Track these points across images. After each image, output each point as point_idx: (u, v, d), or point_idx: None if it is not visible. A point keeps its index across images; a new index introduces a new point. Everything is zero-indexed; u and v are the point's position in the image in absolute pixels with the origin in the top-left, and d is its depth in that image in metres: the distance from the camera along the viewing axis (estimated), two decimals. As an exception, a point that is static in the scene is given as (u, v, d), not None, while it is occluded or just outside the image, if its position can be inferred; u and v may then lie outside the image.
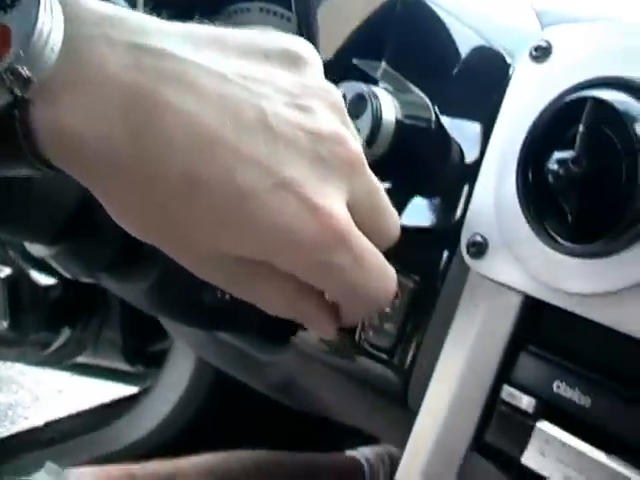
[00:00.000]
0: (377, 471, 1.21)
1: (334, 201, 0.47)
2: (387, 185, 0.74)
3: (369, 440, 1.29)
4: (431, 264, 0.72)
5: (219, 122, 0.44)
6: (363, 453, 1.26)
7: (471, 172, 0.67)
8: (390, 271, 0.51)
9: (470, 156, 0.72)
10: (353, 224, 0.48)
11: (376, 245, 0.50)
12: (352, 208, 0.49)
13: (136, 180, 0.43)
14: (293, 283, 0.50)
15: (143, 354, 1.67)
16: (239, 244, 0.46)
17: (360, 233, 0.49)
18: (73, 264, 0.84)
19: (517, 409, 0.60)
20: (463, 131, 0.76)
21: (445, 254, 0.72)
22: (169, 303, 0.87)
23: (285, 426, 1.41)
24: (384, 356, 0.73)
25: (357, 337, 0.76)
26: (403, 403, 0.73)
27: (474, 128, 0.74)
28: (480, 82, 0.76)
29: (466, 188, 0.69)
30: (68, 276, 0.88)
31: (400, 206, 0.77)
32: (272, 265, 0.48)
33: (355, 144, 0.49)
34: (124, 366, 1.66)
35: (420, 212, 0.77)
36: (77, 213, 0.78)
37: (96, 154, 0.42)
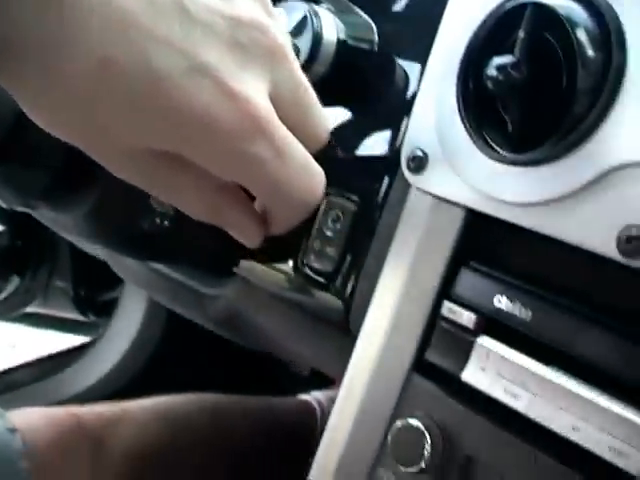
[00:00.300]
0: (328, 413, 1.20)
1: (253, 88, 0.44)
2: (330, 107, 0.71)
3: (323, 386, 1.28)
4: (373, 187, 0.70)
5: (134, 4, 0.42)
6: (315, 396, 1.26)
7: (415, 94, 0.65)
8: (316, 169, 0.49)
9: (414, 78, 0.70)
10: (274, 115, 0.46)
11: (304, 145, 0.48)
12: (275, 101, 0.46)
13: (51, 65, 0.41)
14: (212, 182, 0.48)
15: (94, 303, 1.65)
16: (154, 132, 0.44)
17: (282, 125, 0.46)
18: (6, 190, 0.81)
19: (457, 325, 0.58)
20: (406, 53, 0.74)
21: (387, 177, 0.70)
22: (107, 230, 0.84)
23: (239, 371, 1.40)
24: (325, 281, 0.71)
25: (298, 262, 0.73)
26: (346, 330, 0.71)
27: (417, 50, 0.71)
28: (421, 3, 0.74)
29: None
30: (3, 205, 0.85)
31: (343, 129, 0.75)
32: (190, 162, 0.46)
33: (279, 34, 0.46)
34: (76, 315, 1.63)
35: (364, 135, 0.75)
36: (8, 135, 0.75)
37: (6, 39, 0.40)
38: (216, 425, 1.11)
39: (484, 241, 0.60)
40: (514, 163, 0.55)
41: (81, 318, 1.68)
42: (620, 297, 0.52)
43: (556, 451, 0.53)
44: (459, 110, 0.58)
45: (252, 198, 0.55)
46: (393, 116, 0.72)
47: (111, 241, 0.87)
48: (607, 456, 0.50)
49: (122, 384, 1.43)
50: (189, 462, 1.05)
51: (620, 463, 0.49)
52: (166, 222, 0.77)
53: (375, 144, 0.73)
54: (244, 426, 1.14)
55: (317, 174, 0.50)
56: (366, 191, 0.70)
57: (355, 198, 0.71)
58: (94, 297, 1.69)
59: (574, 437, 0.51)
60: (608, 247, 0.50)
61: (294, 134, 0.48)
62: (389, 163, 0.68)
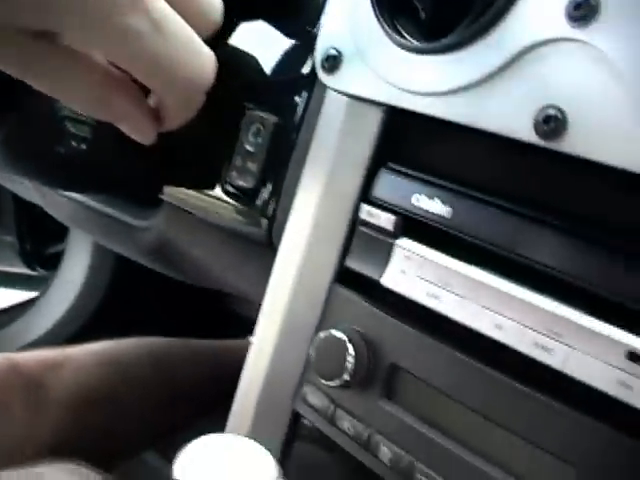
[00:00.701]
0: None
1: None
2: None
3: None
4: (294, 99, 0.66)
5: None
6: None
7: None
8: (203, 49, 0.46)
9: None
10: None
11: (194, 28, 0.44)
12: None
13: None
14: (98, 70, 0.44)
15: (41, 256, 1.61)
16: (23, 7, 0.40)
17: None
18: None
19: (376, 228, 0.55)
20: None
21: (308, 89, 0.66)
22: (25, 157, 0.80)
23: (191, 315, 1.37)
24: (248, 197, 0.67)
25: (222, 182, 0.70)
26: (271, 249, 0.68)
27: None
28: None
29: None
30: None
31: (263, 44, 0.71)
32: (71, 49, 0.42)
33: None
34: (23, 269, 1.59)
35: (283, 49, 0.71)
36: None
37: None
38: (160, 369, 1.09)
39: (403, 141, 0.57)
40: (427, 52, 0.52)
41: (29, 272, 1.64)
42: (541, 185, 0.49)
43: (481, 352, 0.51)
44: (372, 2, 0.54)
45: (146, 93, 0.52)
46: (311, 25, 0.68)
47: (30, 169, 0.83)
48: (531, 352, 0.47)
49: (71, 333, 1.40)
50: (132, 406, 1.02)
51: (545, 358, 0.46)
52: (83, 145, 0.73)
53: (295, 57, 0.69)
54: (188, 369, 1.12)
55: (204, 54, 0.46)
56: (287, 103, 0.67)
57: (276, 111, 0.67)
58: (40, 250, 1.65)
59: (498, 336, 0.49)
60: (526, 131, 0.47)
61: (182, 15, 0.44)
62: (310, 75, 0.64)
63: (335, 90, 0.57)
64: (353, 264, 0.57)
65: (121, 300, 1.39)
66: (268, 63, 0.70)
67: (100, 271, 1.38)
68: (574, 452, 0.45)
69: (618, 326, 0.44)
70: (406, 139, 0.56)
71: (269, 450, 0.45)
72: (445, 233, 0.51)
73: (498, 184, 0.51)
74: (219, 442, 0.44)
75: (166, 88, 0.47)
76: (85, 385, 0.97)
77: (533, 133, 0.46)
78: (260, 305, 0.63)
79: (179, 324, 1.34)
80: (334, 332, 0.55)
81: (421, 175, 0.54)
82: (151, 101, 0.49)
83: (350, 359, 0.54)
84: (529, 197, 0.49)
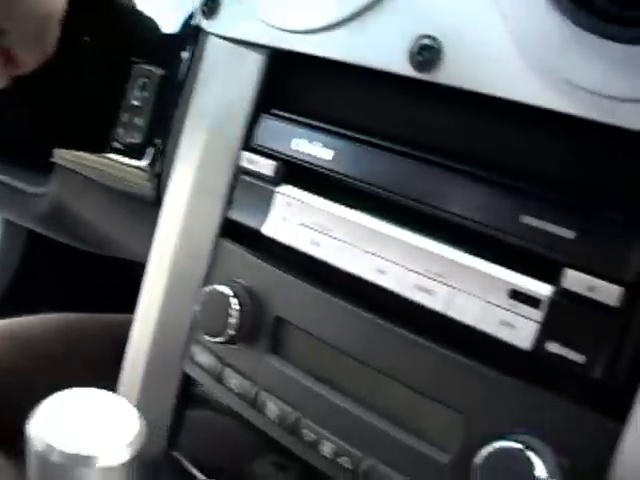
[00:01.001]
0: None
1: None
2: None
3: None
4: (179, 53, 0.63)
5: None
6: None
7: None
8: None
9: None
10: None
11: None
12: None
13: None
14: None
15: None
16: None
17: None
18: None
19: (258, 175, 0.52)
20: None
21: (194, 42, 0.63)
22: None
23: (105, 290, 1.33)
24: (136, 154, 0.64)
25: (110, 140, 0.67)
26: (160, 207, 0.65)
27: None
28: None
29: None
30: None
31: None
32: None
33: None
34: None
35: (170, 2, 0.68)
36: None
37: None
38: (69, 344, 1.06)
39: (285, 86, 0.55)
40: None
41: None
42: (419, 123, 0.47)
43: (365, 300, 0.49)
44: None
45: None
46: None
47: None
48: (414, 296, 0.45)
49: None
50: (39, 381, 0.99)
51: (427, 301, 0.44)
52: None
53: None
54: (97, 344, 1.09)
55: None
56: (174, 57, 0.64)
57: (163, 64, 0.64)
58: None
59: (380, 281, 0.46)
60: (400, 63, 0.44)
61: None
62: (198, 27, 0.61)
63: (215, 35, 0.55)
64: (235, 215, 0.54)
65: (35, 275, 1.35)
66: (155, 17, 0.67)
67: (11, 247, 1.33)
68: (460, 398, 0.43)
69: (500, 264, 0.42)
70: (288, 84, 0.54)
71: (161, 416, 0.43)
72: (328, 178, 0.49)
73: (377, 124, 0.49)
74: (79, 397, 0.41)
75: (11, 23, 0.43)
76: None
77: (408, 64, 0.44)
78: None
79: (94, 299, 1.30)
80: (218, 287, 0.52)
81: (302, 119, 0.51)
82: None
83: (234, 313, 0.51)
84: (409, 136, 0.47)
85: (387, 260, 0.46)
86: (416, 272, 0.45)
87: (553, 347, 0.40)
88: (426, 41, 0.43)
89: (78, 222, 0.80)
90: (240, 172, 0.54)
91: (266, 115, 0.53)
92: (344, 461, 0.47)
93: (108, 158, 0.68)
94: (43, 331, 1.01)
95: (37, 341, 0.99)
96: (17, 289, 1.31)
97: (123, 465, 0.37)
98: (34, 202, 0.83)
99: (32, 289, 1.32)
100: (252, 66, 0.54)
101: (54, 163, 0.75)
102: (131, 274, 0.73)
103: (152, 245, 0.60)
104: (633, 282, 0.38)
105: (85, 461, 0.36)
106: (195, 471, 0.59)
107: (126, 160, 0.65)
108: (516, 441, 0.39)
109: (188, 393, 0.59)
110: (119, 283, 1.26)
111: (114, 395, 0.41)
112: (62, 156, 0.74)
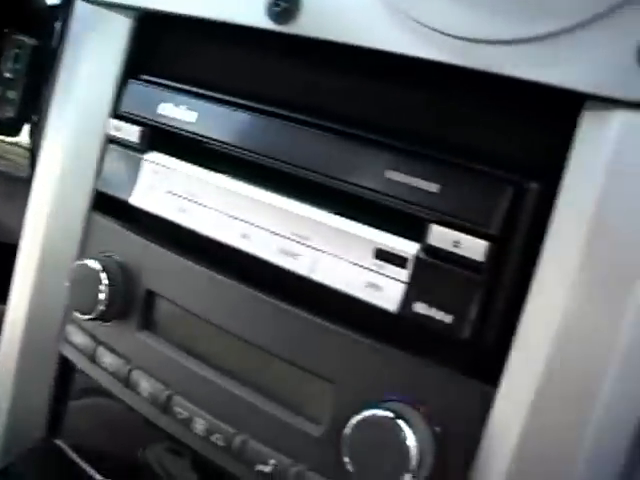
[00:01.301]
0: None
1: None
2: None
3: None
4: (51, 22, 0.60)
5: None
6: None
7: None
8: None
9: None
10: None
11: None
12: None
13: None
14: None
15: None
16: None
17: None
18: None
19: (124, 143, 0.49)
20: None
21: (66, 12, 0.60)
22: None
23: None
24: (10, 130, 0.61)
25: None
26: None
27: None
28: None
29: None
30: None
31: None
32: None
33: None
34: None
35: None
36: None
37: None
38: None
39: (153, 51, 0.53)
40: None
41: None
42: (284, 82, 0.45)
43: (232, 267, 0.47)
44: None
45: None
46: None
47: None
48: (278, 260, 0.42)
49: None
50: None
51: (292, 265, 0.42)
52: None
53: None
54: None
55: None
56: (47, 27, 0.61)
57: (36, 35, 0.61)
58: None
59: (244, 246, 0.44)
60: (258, 16, 0.42)
61: None
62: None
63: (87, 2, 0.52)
64: (104, 187, 0.52)
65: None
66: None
67: None
68: (331, 367, 0.41)
69: (368, 224, 0.40)
70: (156, 47, 0.52)
71: (39, 402, 0.40)
72: (196, 143, 0.46)
73: (240, 84, 0.47)
74: None
75: None
76: None
77: (266, 17, 0.41)
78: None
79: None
80: (87, 261, 0.50)
81: (169, 83, 0.49)
82: None
83: (103, 289, 0.49)
84: (271, 95, 0.45)
85: (252, 224, 0.44)
86: (281, 235, 0.43)
87: (420, 307, 0.38)
88: (281, -8, 0.41)
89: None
90: (106, 140, 0.51)
91: (133, 80, 0.51)
92: (217, 438, 0.45)
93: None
94: None
95: None
96: None
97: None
98: None
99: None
100: (120, 30, 0.52)
101: None
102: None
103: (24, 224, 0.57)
104: (499, 236, 0.35)
105: None
106: (78, 459, 0.56)
107: (1, 137, 0.61)
108: (387, 409, 0.37)
109: (68, 377, 0.56)
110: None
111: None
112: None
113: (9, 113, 0.60)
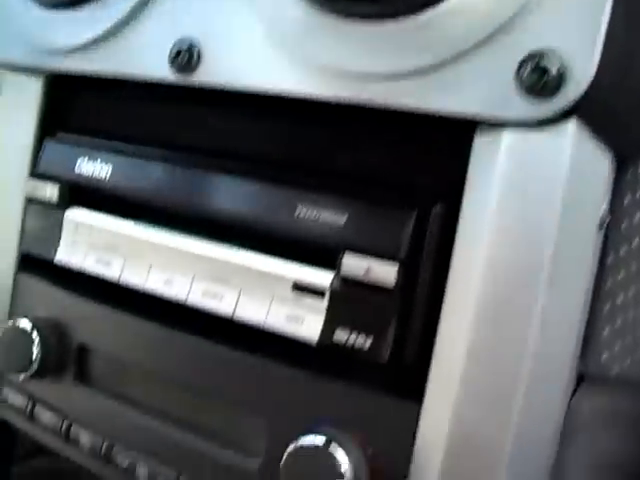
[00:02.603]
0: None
1: None
2: None
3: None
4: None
5: None
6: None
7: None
8: None
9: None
10: None
11: None
12: None
13: None
14: None
15: None
16: None
17: None
18: None
19: (44, 202, 0.50)
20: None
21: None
22: None
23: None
24: None
25: None
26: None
27: None
28: None
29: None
30: None
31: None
32: None
33: None
34: None
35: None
36: None
37: None
38: None
39: (67, 108, 0.53)
40: (60, 5, 0.48)
41: None
42: (194, 130, 0.47)
43: (159, 314, 0.47)
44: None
45: None
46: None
47: None
48: (202, 303, 0.44)
49: None
50: None
51: (215, 306, 0.43)
52: None
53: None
54: None
55: None
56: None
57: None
58: None
59: (169, 292, 0.45)
60: (163, 70, 0.43)
61: None
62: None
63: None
64: (29, 247, 0.52)
65: None
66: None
67: None
68: (261, 401, 0.42)
69: (285, 259, 0.41)
70: (70, 105, 0.52)
71: None
72: (115, 196, 0.47)
73: (151, 135, 0.48)
74: None
75: None
76: None
77: (169, 70, 0.43)
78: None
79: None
80: (17, 322, 0.50)
81: (83, 138, 0.50)
82: None
83: (35, 347, 0.49)
84: (180, 142, 0.47)
85: (173, 271, 0.45)
86: (202, 279, 0.44)
87: (340, 335, 0.39)
88: (184, 44, 0.43)
89: None
90: (27, 201, 0.51)
91: (50, 139, 0.51)
92: (160, 482, 0.46)
93: None
94: None
95: None
96: None
97: None
98: None
99: None
100: (32, 92, 0.53)
101: None
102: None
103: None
104: (407, 260, 0.37)
105: None
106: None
107: None
108: (320, 436, 0.38)
109: (9, 441, 0.56)
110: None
111: None
112: None
113: None
